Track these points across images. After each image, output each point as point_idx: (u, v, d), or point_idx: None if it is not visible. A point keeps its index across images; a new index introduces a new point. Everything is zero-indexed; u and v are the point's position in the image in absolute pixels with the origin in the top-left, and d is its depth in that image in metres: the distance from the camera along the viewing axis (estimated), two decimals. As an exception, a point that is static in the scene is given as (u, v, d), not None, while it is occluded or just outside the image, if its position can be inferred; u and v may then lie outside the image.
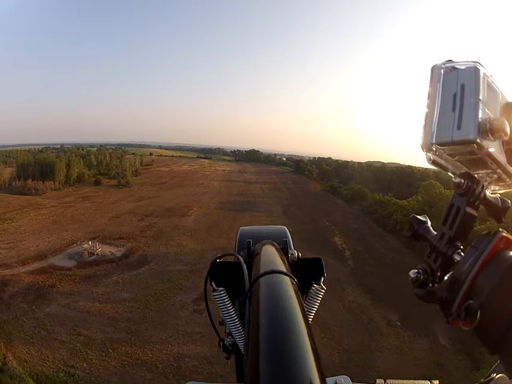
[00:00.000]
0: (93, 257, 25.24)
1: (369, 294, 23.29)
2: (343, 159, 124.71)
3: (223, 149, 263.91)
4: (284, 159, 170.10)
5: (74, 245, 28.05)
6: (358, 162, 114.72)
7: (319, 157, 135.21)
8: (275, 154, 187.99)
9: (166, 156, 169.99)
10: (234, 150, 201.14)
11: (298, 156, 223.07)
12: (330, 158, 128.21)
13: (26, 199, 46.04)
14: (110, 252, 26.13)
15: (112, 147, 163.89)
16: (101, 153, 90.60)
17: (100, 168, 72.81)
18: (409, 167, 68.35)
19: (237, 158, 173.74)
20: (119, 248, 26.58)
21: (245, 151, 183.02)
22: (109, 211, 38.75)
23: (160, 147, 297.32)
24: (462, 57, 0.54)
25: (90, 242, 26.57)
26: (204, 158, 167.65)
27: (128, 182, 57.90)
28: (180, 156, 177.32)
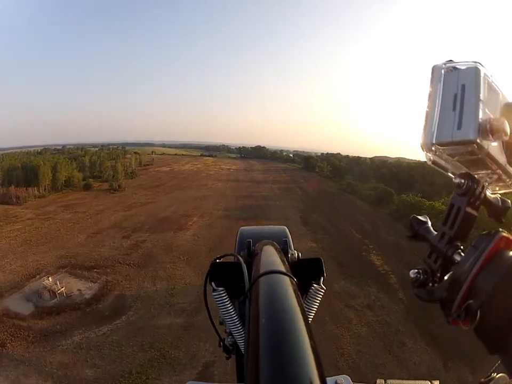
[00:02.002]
0: (54, 300, 18.51)
1: (436, 348, 16.34)
2: (349, 154, 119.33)
3: (227, 146, 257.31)
4: (291, 155, 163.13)
5: (38, 276, 21.44)
6: (370, 158, 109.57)
7: (328, 153, 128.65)
8: (281, 151, 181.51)
9: (169, 155, 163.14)
10: (239, 147, 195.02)
11: (304, 151, 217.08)
12: (339, 153, 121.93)
13: (4, 210, 39.48)
14: (78, 290, 19.28)
15: (115, 146, 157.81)
16: (96, 154, 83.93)
17: (93, 170, 66.26)
18: (427, 162, 62.00)
19: (242, 155, 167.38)
20: (90, 285, 19.69)
21: (251, 147, 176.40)
22: (90, 225, 31.89)
23: (164, 145, 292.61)
24: (462, 57, 0.54)
25: (50, 278, 19.75)
26: (208, 156, 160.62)
27: (120, 186, 51.06)
28: (183, 154, 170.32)
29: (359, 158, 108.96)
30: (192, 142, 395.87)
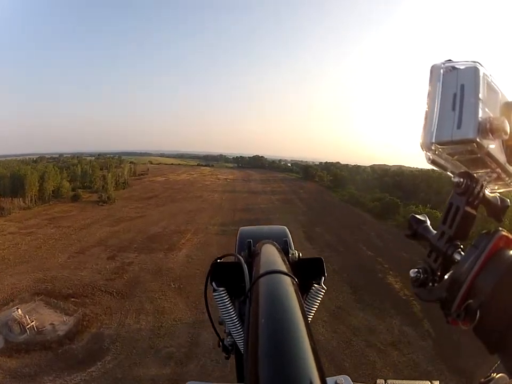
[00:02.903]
0: (24, 335, 15.79)
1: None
2: (348, 163, 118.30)
3: (225, 155, 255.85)
4: (289, 164, 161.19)
5: (11, 303, 18.77)
6: (369, 166, 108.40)
7: (327, 162, 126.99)
8: (279, 160, 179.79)
9: (166, 164, 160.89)
10: (237, 157, 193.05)
11: (302, 161, 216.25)
12: (338, 162, 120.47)
13: (-14, 223, 36.80)
14: (51, 324, 16.52)
15: (111, 155, 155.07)
16: (89, 163, 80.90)
17: (84, 180, 63.34)
18: (433, 170, 59.77)
19: (240, 165, 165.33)
20: (65, 319, 16.87)
21: (248, 157, 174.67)
22: (74, 242, 29.03)
23: (161, 155, 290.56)
24: (461, 57, 0.54)
25: (20, 310, 16.94)
26: (205, 166, 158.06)
27: (110, 197, 48.11)
28: (179, 164, 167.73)
29: (358, 166, 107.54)
30: (190, 152, 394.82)
